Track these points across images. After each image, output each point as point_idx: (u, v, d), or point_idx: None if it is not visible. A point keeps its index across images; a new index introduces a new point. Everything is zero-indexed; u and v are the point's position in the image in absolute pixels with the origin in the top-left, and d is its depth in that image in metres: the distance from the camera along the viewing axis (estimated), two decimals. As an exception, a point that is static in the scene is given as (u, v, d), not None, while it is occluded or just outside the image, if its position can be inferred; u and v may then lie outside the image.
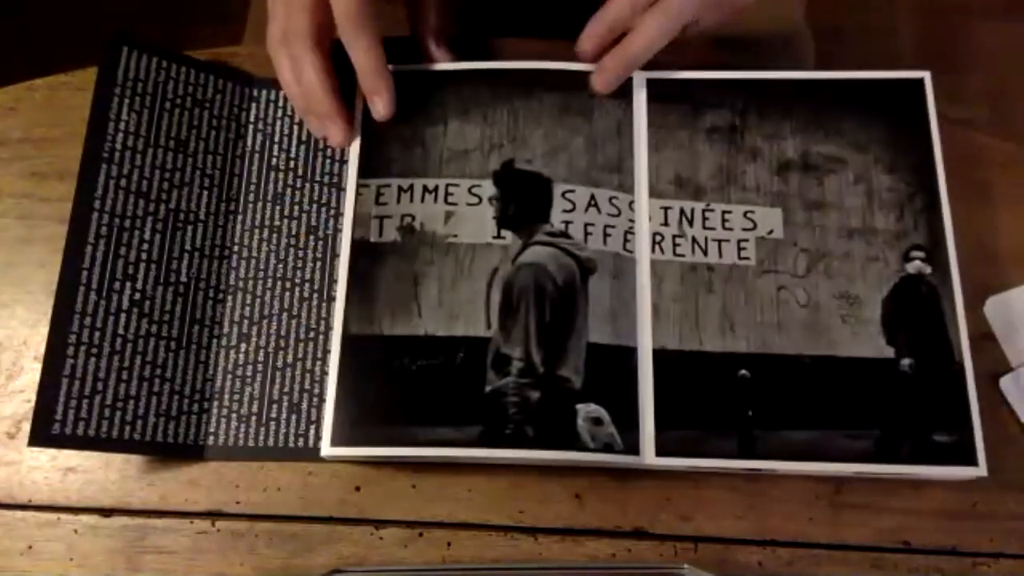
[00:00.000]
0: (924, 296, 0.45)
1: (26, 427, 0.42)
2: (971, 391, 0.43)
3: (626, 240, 0.46)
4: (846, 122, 0.48)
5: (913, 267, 0.45)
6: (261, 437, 0.45)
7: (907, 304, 0.45)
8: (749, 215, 0.46)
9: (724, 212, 0.47)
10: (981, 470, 0.42)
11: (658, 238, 0.46)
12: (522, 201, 0.46)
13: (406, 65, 0.49)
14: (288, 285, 0.47)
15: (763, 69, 0.49)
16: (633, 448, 0.42)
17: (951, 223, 0.46)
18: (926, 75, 0.48)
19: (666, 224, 0.46)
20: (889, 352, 0.44)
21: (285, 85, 0.47)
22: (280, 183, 0.49)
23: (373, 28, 0.44)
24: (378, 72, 0.45)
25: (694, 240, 0.46)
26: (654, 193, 0.47)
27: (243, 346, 0.46)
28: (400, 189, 0.47)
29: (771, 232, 0.46)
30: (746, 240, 0.46)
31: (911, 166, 0.47)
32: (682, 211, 0.47)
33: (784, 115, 0.48)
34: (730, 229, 0.46)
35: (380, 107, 0.47)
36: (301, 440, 0.45)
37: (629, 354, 0.44)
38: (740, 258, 0.46)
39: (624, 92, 0.48)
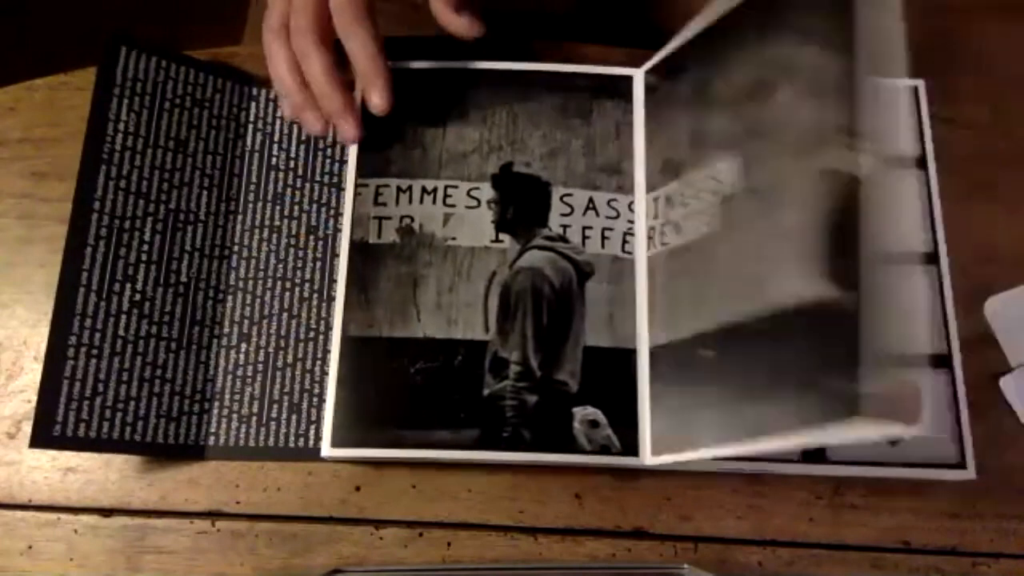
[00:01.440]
0: None
1: (26, 427, 0.42)
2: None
3: (624, 242, 0.46)
4: None
5: None
6: (261, 437, 0.45)
7: None
8: (712, 176, 0.42)
9: (694, 181, 0.43)
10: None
11: (651, 233, 0.46)
12: (521, 204, 0.46)
13: (406, 62, 0.48)
14: (288, 285, 0.47)
15: None
16: (632, 449, 0.42)
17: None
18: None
19: (656, 216, 0.46)
20: None
21: (279, 79, 0.45)
22: (280, 183, 0.49)
23: (370, 20, 0.44)
24: (375, 65, 0.44)
25: (676, 224, 0.44)
26: (649, 188, 0.47)
27: (243, 346, 0.46)
28: (399, 189, 0.47)
29: (733, 187, 0.41)
30: (711, 205, 0.42)
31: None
32: (668, 197, 0.45)
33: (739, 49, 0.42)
34: (698, 198, 0.42)
35: (377, 100, 0.45)
36: (301, 440, 0.45)
37: (627, 356, 0.44)
38: (707, 228, 0.42)
39: (624, 92, 0.48)
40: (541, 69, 0.48)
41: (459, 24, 0.46)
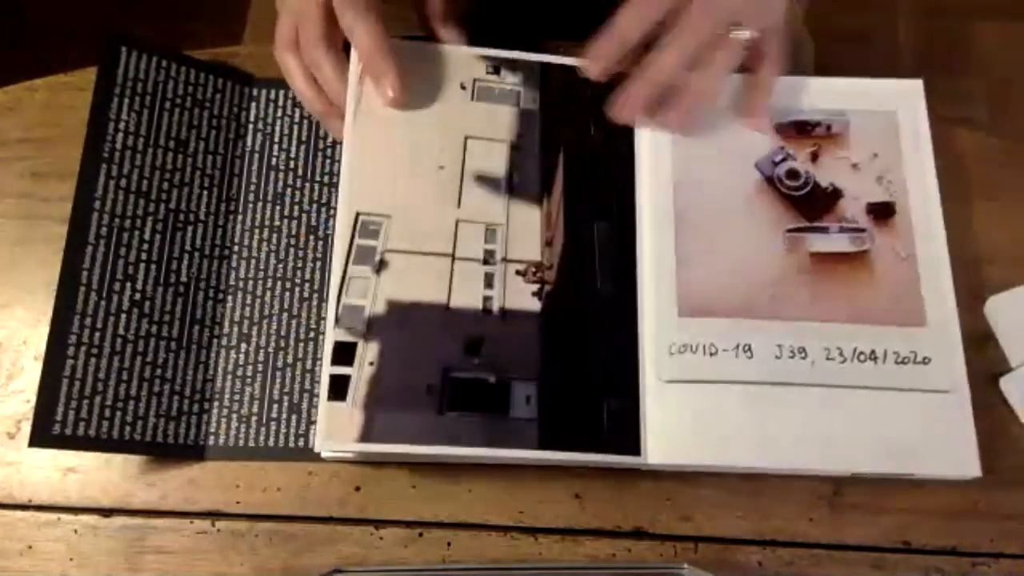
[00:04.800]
0: None
1: (26, 427, 0.42)
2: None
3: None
4: None
5: None
6: (261, 437, 0.45)
7: None
8: None
9: None
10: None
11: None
12: None
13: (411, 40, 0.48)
14: (288, 285, 0.47)
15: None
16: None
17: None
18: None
19: None
20: None
21: (298, 92, 0.47)
22: (280, 183, 0.49)
23: (372, 11, 0.44)
24: (382, 53, 0.44)
25: None
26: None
27: (243, 346, 0.46)
28: None
29: None
30: None
31: None
32: None
33: None
34: None
35: (388, 89, 0.45)
36: (301, 440, 0.45)
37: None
38: None
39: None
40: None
41: (445, 35, 0.48)
